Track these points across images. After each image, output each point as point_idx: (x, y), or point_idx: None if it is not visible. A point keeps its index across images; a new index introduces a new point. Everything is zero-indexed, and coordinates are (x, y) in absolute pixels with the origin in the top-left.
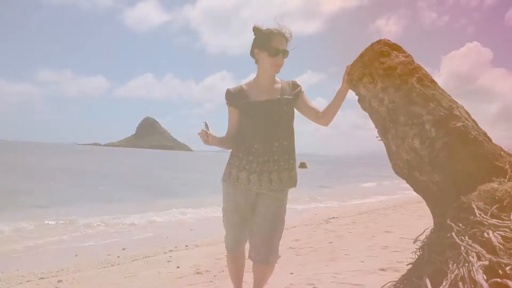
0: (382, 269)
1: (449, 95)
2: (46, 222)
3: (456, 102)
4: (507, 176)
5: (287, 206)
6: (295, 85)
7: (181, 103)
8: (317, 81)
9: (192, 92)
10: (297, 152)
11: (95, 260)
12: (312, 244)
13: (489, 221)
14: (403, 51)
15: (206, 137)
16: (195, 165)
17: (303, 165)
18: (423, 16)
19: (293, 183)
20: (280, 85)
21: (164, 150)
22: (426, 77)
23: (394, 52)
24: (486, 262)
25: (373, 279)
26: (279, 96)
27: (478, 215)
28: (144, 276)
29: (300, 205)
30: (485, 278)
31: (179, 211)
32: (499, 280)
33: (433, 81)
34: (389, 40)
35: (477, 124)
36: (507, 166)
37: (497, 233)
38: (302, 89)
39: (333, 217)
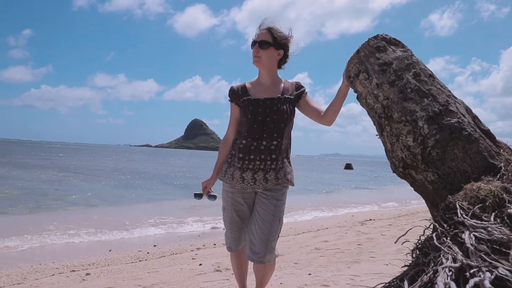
0: None
1: (448, 90)
2: (89, 219)
3: (455, 98)
4: (499, 174)
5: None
6: (298, 86)
7: (228, 104)
8: None
9: None
10: (345, 153)
11: (126, 255)
12: (339, 246)
13: (469, 221)
14: (402, 46)
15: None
16: None
17: (348, 167)
18: (481, 8)
19: (289, 181)
20: (283, 84)
21: (211, 151)
22: (423, 72)
23: (392, 47)
24: (457, 264)
25: None
26: (279, 95)
27: (460, 215)
28: (166, 272)
29: (337, 207)
30: (447, 281)
31: (216, 211)
32: (446, 281)
33: (431, 76)
34: (387, 35)
35: (478, 120)
36: (502, 164)
37: (473, 234)
38: (306, 91)
39: (370, 219)
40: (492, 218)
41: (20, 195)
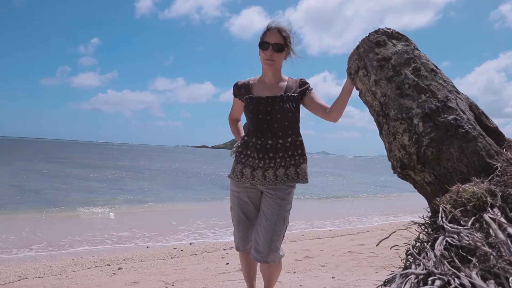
0: None
1: (452, 85)
2: (138, 218)
3: (458, 93)
4: (492, 175)
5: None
6: (302, 83)
7: None
8: None
9: None
10: None
11: (161, 252)
12: (375, 250)
13: (446, 226)
14: (406, 40)
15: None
16: None
17: None
18: None
19: (300, 179)
20: (286, 82)
21: None
22: (424, 66)
23: (392, 41)
24: (424, 272)
25: None
26: (282, 93)
27: (440, 219)
28: (192, 270)
29: (392, 212)
30: (394, 286)
31: None
32: (394, 286)
33: (433, 71)
34: (389, 29)
35: (485, 117)
36: (499, 164)
37: (446, 240)
38: (311, 87)
39: (416, 223)
40: (470, 223)
41: (76, 194)
